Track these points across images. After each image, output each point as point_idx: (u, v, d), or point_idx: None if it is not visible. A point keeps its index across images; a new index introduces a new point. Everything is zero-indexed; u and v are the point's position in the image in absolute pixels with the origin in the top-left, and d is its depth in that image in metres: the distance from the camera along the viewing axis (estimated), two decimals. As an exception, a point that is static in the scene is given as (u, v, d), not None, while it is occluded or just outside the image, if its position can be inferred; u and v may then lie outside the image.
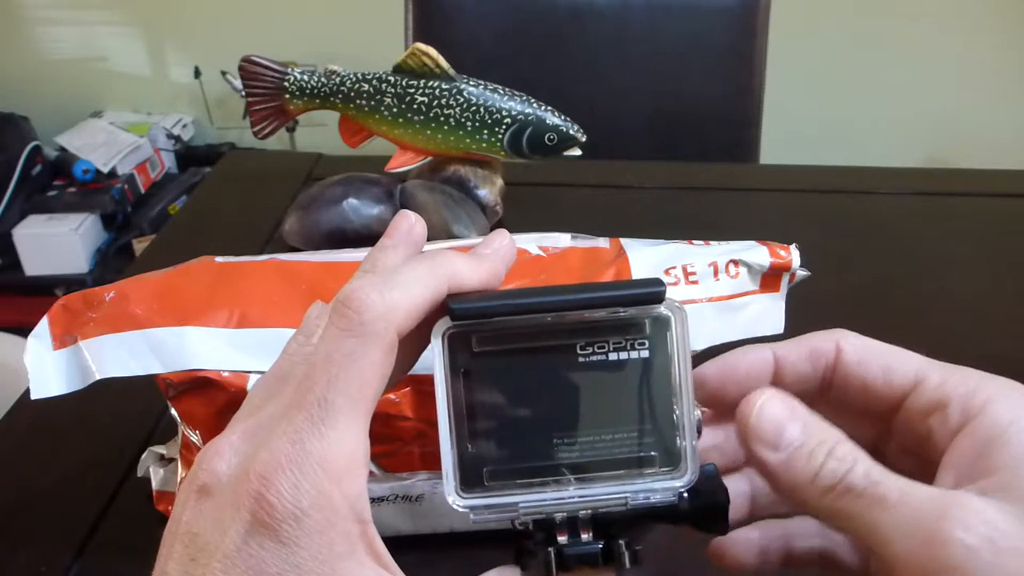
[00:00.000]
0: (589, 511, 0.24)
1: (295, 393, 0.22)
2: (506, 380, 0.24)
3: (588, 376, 0.24)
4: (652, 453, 0.25)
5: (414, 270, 0.24)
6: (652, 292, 0.24)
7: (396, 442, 0.37)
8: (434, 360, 0.24)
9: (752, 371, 0.27)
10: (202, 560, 0.21)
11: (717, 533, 0.26)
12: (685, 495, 0.25)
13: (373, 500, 0.38)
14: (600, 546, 0.23)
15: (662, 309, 0.25)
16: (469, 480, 0.24)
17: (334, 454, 0.21)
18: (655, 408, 0.25)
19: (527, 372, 0.24)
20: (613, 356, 0.24)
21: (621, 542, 0.23)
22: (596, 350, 0.24)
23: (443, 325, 0.24)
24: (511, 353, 0.24)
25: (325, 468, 0.20)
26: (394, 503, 0.38)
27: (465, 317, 0.24)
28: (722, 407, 0.27)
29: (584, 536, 0.24)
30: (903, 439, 0.26)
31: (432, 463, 0.37)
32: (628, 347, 0.24)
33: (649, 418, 0.25)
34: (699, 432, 0.25)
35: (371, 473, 0.35)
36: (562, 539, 0.24)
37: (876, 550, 0.22)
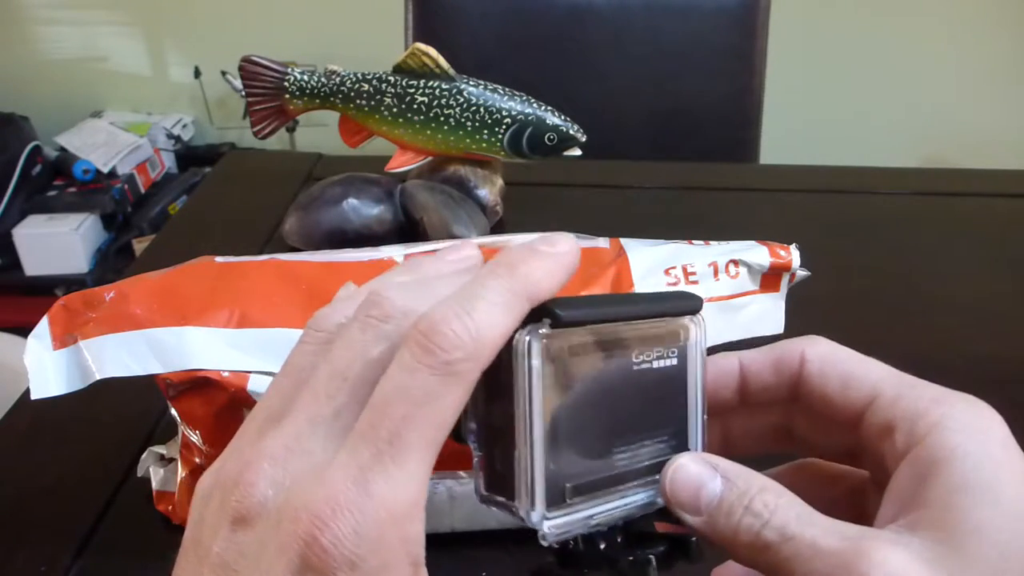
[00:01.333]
0: (628, 516, 0.24)
1: (358, 425, 0.20)
2: (584, 390, 0.23)
3: (638, 384, 0.24)
4: (675, 455, 0.25)
5: (497, 292, 0.21)
6: (695, 304, 0.25)
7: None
8: (518, 371, 0.22)
9: (718, 380, 0.26)
10: None
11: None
12: None
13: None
14: (663, 548, 0.24)
15: (690, 318, 0.25)
16: (553, 499, 0.23)
17: (399, 497, 0.19)
18: (678, 411, 0.25)
19: (598, 381, 0.24)
20: (656, 364, 0.25)
21: (693, 539, 0.24)
22: (645, 358, 0.24)
23: (537, 331, 0.22)
24: (591, 362, 0.24)
25: (389, 511, 0.19)
26: (394, 503, 0.38)
27: (572, 325, 0.22)
28: None
29: (619, 540, 0.24)
30: (871, 455, 0.25)
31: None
32: (666, 355, 0.25)
33: (674, 421, 0.25)
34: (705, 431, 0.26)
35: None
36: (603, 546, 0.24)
37: None
